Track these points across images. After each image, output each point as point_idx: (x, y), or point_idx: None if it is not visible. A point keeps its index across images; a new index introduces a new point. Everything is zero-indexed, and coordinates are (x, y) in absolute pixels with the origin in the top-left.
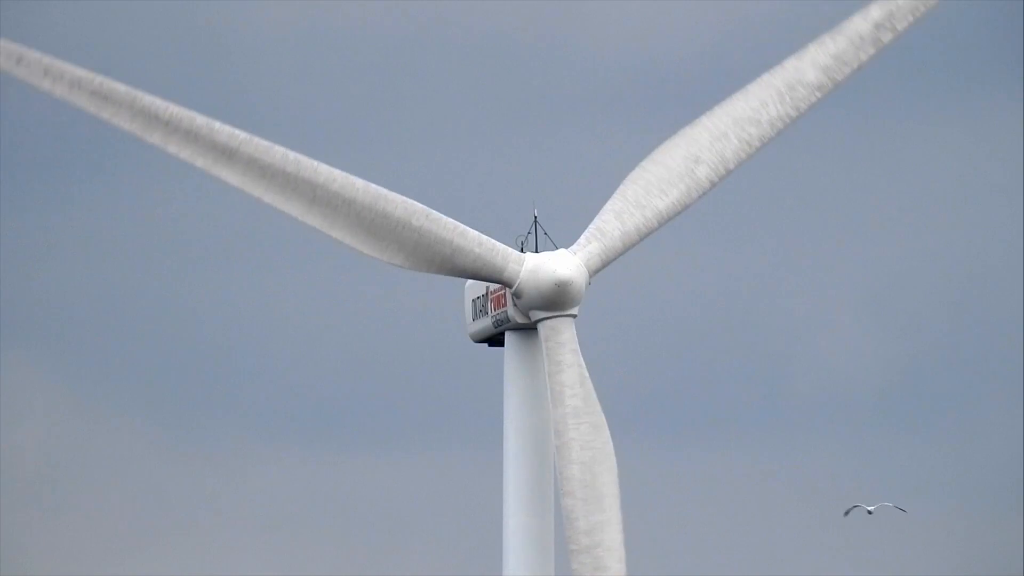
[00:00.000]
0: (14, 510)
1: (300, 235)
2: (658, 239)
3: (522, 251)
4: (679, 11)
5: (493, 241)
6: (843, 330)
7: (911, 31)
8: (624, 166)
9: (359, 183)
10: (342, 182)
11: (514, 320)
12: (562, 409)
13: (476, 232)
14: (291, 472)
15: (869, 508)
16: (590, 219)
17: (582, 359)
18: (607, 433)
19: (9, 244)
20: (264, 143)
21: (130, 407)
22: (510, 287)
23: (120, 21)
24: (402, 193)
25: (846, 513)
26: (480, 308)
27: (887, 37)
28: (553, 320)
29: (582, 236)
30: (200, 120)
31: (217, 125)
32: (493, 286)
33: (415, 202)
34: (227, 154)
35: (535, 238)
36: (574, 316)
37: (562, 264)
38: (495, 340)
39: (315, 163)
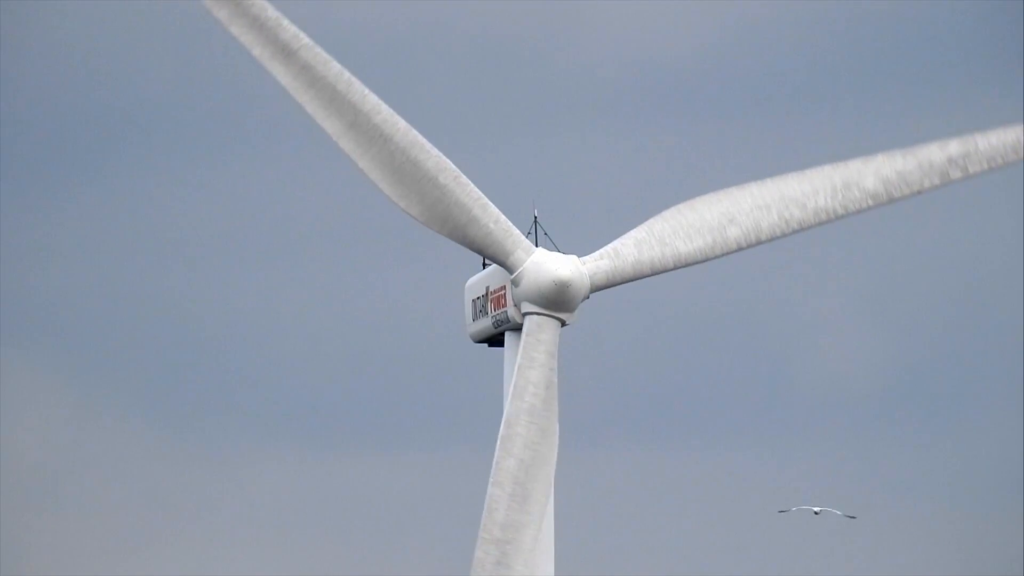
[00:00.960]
0: (14, 510)
1: (300, 235)
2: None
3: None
4: (678, 11)
5: (510, 224)
6: (843, 330)
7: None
8: (624, 166)
9: (401, 124)
10: (386, 116)
11: (514, 320)
12: (519, 404)
13: (497, 210)
14: (291, 472)
15: (815, 509)
16: (590, 219)
17: (556, 364)
18: (555, 441)
19: (9, 244)
20: (324, 55)
21: (130, 407)
22: (511, 272)
23: (120, 21)
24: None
25: (783, 512)
26: (480, 308)
27: (956, 174)
28: (540, 317)
29: (597, 251)
30: (271, 12)
31: (285, 22)
32: (494, 286)
33: (448, 161)
34: (286, 53)
35: (535, 238)
36: (562, 322)
37: (566, 266)
38: (495, 340)
39: (366, 90)
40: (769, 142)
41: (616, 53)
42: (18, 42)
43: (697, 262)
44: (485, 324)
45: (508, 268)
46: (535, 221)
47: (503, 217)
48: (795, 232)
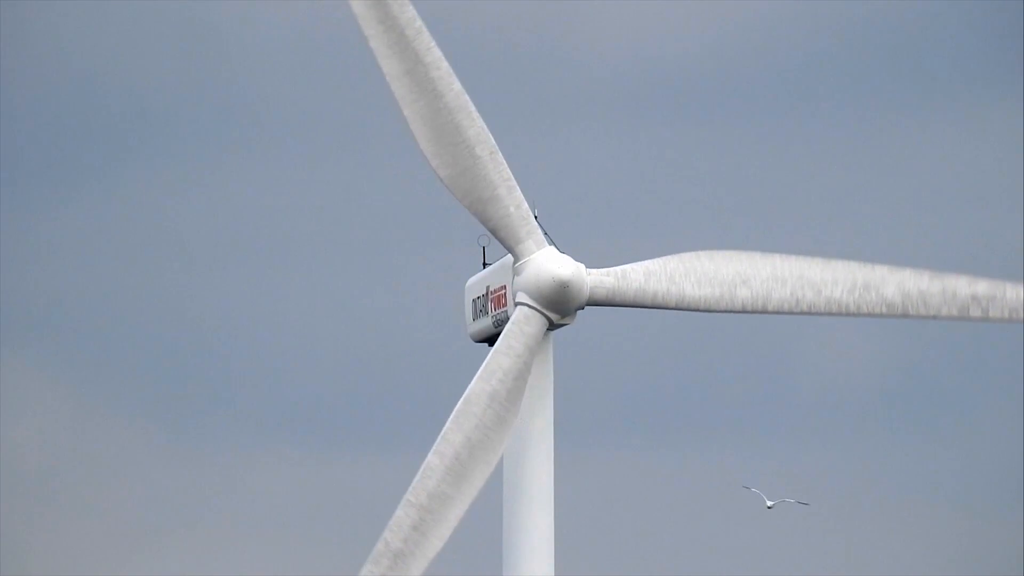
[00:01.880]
0: (14, 510)
1: (300, 235)
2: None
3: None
4: (679, 11)
5: (531, 213)
6: (843, 330)
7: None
8: (624, 166)
9: (456, 86)
10: (443, 74)
11: None
12: (484, 386)
13: (522, 196)
14: (291, 472)
15: (769, 503)
16: (590, 219)
17: (531, 362)
18: (507, 435)
19: (9, 244)
20: None
21: (130, 407)
22: (516, 260)
23: (120, 21)
24: (403, 193)
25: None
26: (480, 308)
27: (976, 313)
28: (530, 310)
29: (605, 268)
30: None
31: None
32: (494, 285)
33: (490, 136)
34: None
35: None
36: (550, 321)
37: (569, 268)
38: (495, 340)
39: (433, 43)
40: (769, 142)
41: (616, 53)
42: (18, 42)
43: (699, 310)
44: (485, 324)
45: (515, 255)
46: (535, 219)
47: (526, 204)
48: (803, 313)
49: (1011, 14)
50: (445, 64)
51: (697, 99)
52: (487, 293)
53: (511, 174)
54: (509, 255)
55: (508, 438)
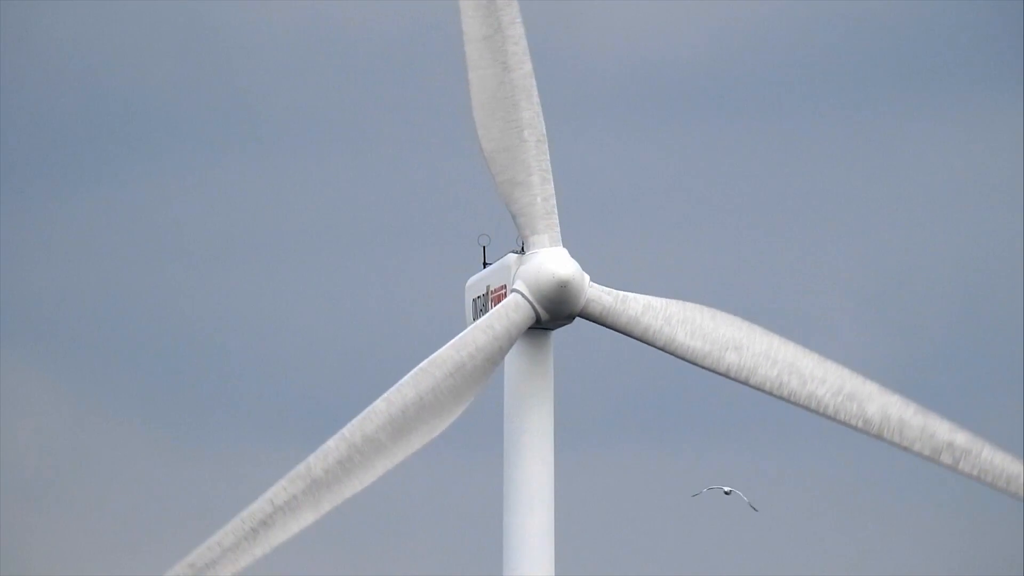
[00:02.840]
0: (14, 510)
1: (300, 235)
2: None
3: (523, 250)
4: (679, 11)
5: (555, 210)
6: (843, 329)
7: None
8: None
9: (528, 67)
10: (519, 51)
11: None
12: (452, 353)
13: (553, 191)
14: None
15: (726, 489)
16: (590, 219)
17: (506, 348)
18: (458, 410)
19: (9, 244)
20: None
21: (129, 407)
22: (524, 250)
23: (120, 21)
24: (403, 192)
25: (696, 495)
26: (480, 308)
27: (947, 460)
28: (523, 300)
29: (607, 287)
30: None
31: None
32: (494, 285)
33: (543, 124)
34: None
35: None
36: (538, 317)
37: (571, 272)
38: None
39: (519, 18)
40: (769, 142)
41: (616, 53)
42: (18, 42)
43: (684, 359)
44: None
45: (526, 245)
46: None
47: (554, 200)
48: (782, 398)
49: (1011, 14)
50: (524, 43)
51: (697, 99)
52: (487, 293)
53: (550, 167)
54: (509, 254)
55: (457, 414)
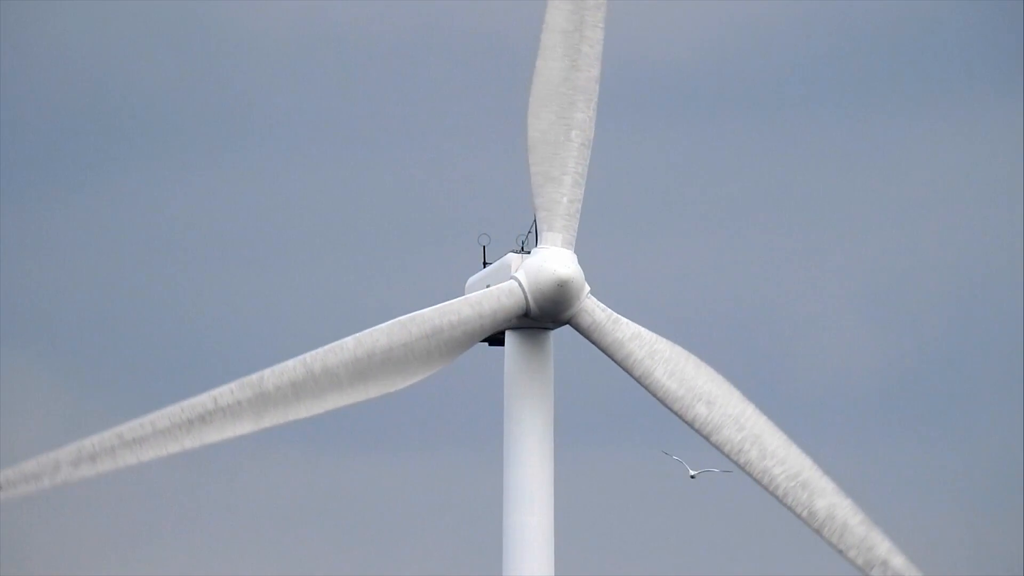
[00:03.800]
0: (14, 510)
1: (300, 235)
2: (657, 238)
3: (523, 250)
4: (679, 11)
5: (577, 214)
6: (844, 329)
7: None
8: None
9: (595, 72)
10: (592, 55)
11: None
12: (433, 316)
13: (581, 196)
14: (291, 472)
15: (692, 472)
16: (591, 218)
17: (487, 328)
18: (421, 374)
19: (9, 244)
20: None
21: (130, 407)
22: (521, 251)
23: (120, 21)
24: (403, 193)
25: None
26: None
27: (876, 573)
28: (518, 289)
29: (602, 303)
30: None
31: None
32: (494, 284)
33: (592, 131)
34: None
35: (536, 238)
36: (528, 311)
37: (570, 274)
38: (495, 339)
39: (602, 23)
40: (769, 142)
41: (616, 53)
42: (18, 42)
43: (654, 394)
44: None
45: (539, 239)
46: (535, 220)
47: (579, 206)
48: (737, 465)
49: (1011, 14)
50: (600, 48)
51: (697, 99)
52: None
53: (586, 172)
54: (509, 254)
55: (418, 378)
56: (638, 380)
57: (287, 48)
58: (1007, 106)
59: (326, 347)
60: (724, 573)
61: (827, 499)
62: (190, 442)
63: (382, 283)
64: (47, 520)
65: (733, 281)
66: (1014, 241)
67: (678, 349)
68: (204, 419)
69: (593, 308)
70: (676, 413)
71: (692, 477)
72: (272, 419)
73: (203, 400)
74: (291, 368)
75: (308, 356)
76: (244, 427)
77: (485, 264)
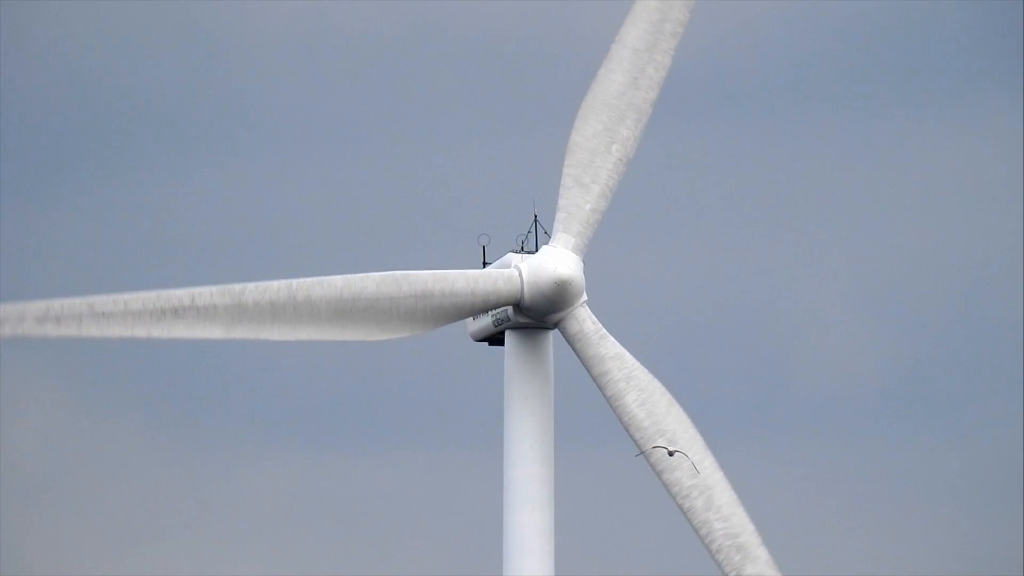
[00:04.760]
0: (14, 510)
1: (300, 234)
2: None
3: (523, 250)
4: None
5: (597, 224)
6: (844, 329)
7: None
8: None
9: (653, 95)
10: (655, 78)
11: (514, 319)
12: (427, 280)
13: (604, 208)
14: (291, 472)
15: (671, 450)
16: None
17: (475, 307)
18: (394, 335)
19: (9, 244)
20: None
21: (130, 407)
22: (522, 251)
23: (120, 21)
24: (403, 192)
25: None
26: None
27: None
28: (516, 277)
29: (593, 313)
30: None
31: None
32: None
33: (634, 149)
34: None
35: (535, 238)
36: (520, 304)
37: (567, 275)
38: (495, 339)
39: (672, 50)
40: (769, 142)
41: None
42: (18, 42)
43: (619, 417)
44: (485, 323)
45: (550, 238)
46: (535, 221)
47: (600, 217)
48: (678, 507)
49: (1011, 14)
50: (664, 74)
51: (697, 99)
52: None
53: (615, 188)
54: (509, 254)
55: (394, 337)
56: (608, 400)
57: (287, 48)
58: (1007, 106)
59: (315, 279)
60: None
61: (758, 568)
62: (158, 331)
63: None
64: (47, 520)
65: (733, 281)
66: (1014, 241)
67: (656, 383)
68: (177, 313)
69: (584, 318)
70: (634, 441)
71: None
72: (243, 332)
73: (181, 295)
74: (275, 289)
75: (295, 282)
76: (214, 332)
77: (485, 264)
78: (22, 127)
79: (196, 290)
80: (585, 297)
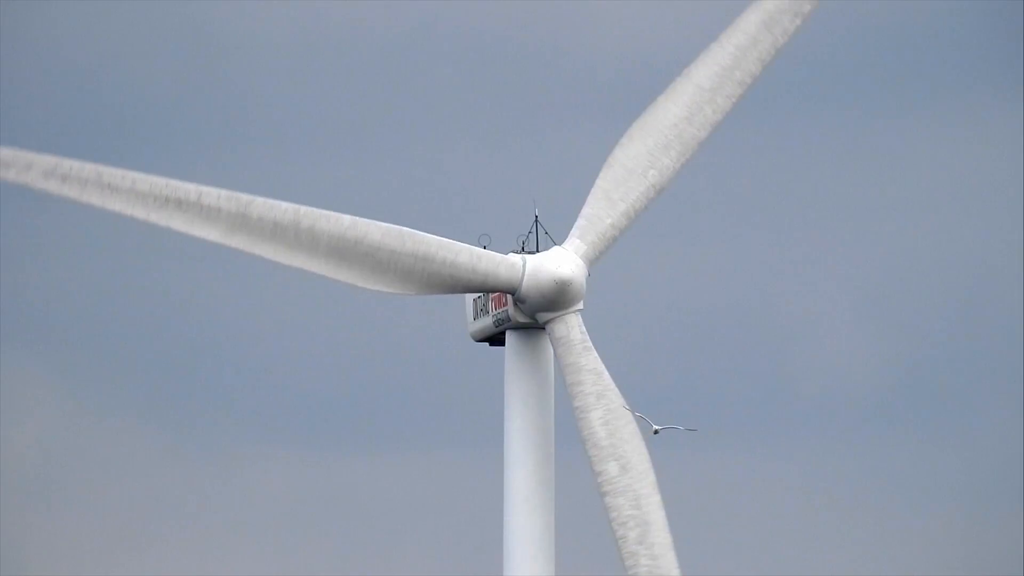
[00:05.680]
0: (14, 510)
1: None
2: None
3: (523, 250)
4: (677, 11)
5: (612, 240)
6: (843, 330)
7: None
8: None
9: (711, 123)
10: (719, 107)
11: (515, 319)
12: (432, 244)
13: (623, 227)
14: (290, 472)
15: (656, 427)
16: None
17: (470, 284)
18: (387, 289)
19: (9, 244)
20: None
21: (130, 407)
22: (522, 251)
23: (119, 21)
24: (403, 192)
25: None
26: (481, 307)
27: None
28: (520, 265)
29: (584, 326)
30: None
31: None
32: None
33: (671, 178)
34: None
35: (535, 238)
36: (515, 291)
37: (566, 276)
38: (496, 339)
39: (750, 82)
40: (769, 142)
41: (616, 52)
42: (18, 42)
43: (580, 431)
44: (486, 323)
45: (562, 239)
46: (535, 221)
47: (617, 234)
48: (612, 532)
49: (1011, 14)
50: (720, 117)
51: None
52: (488, 293)
53: (640, 212)
54: (510, 255)
55: (387, 291)
56: (574, 410)
57: (287, 48)
58: (1007, 106)
59: (324, 212)
60: (725, 572)
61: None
62: (156, 217)
63: None
64: (47, 520)
65: (733, 281)
66: (1014, 241)
67: (627, 412)
68: (180, 205)
69: (573, 325)
70: (589, 458)
71: (655, 433)
72: (238, 242)
73: (189, 188)
74: (282, 210)
75: (304, 209)
76: (211, 233)
77: None
78: (22, 127)
79: (205, 189)
80: (581, 306)
